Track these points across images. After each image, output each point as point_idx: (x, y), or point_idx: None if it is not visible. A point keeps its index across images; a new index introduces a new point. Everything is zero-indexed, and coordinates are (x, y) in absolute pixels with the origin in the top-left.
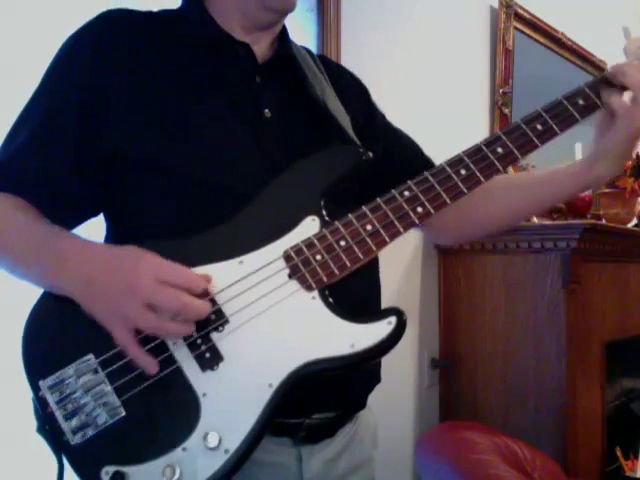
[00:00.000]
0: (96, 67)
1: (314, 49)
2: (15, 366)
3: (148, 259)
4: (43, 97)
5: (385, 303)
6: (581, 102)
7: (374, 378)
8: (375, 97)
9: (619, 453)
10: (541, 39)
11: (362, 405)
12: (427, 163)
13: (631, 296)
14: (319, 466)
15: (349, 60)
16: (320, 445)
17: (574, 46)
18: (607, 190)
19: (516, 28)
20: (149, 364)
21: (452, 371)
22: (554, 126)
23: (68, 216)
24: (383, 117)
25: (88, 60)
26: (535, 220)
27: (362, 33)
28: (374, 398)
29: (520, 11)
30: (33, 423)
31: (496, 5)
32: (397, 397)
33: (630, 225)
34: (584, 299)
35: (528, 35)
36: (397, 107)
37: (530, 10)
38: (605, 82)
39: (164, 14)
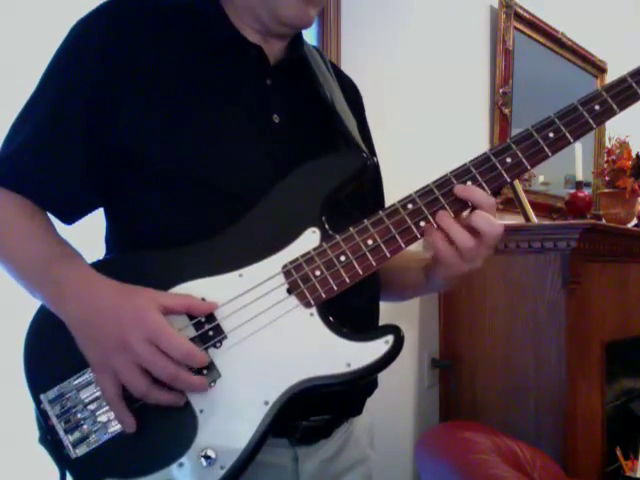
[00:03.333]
0: (106, 61)
1: None
2: (17, 367)
3: (150, 318)
4: (50, 88)
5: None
6: (597, 108)
7: (372, 384)
8: (375, 97)
9: (619, 453)
10: (541, 39)
11: (359, 411)
12: (378, 202)
13: (631, 296)
14: (315, 466)
15: (349, 60)
16: (316, 445)
17: (574, 46)
18: (607, 190)
19: (516, 28)
20: (127, 424)
21: (452, 371)
22: (567, 134)
23: (70, 212)
24: (370, 138)
25: (98, 52)
26: (535, 220)
27: (362, 33)
28: (374, 398)
29: (520, 11)
30: (35, 433)
31: (496, 5)
32: (397, 397)
33: (630, 225)
34: (584, 299)
35: (528, 35)
36: (397, 107)
37: (530, 10)
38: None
39: (175, 4)
